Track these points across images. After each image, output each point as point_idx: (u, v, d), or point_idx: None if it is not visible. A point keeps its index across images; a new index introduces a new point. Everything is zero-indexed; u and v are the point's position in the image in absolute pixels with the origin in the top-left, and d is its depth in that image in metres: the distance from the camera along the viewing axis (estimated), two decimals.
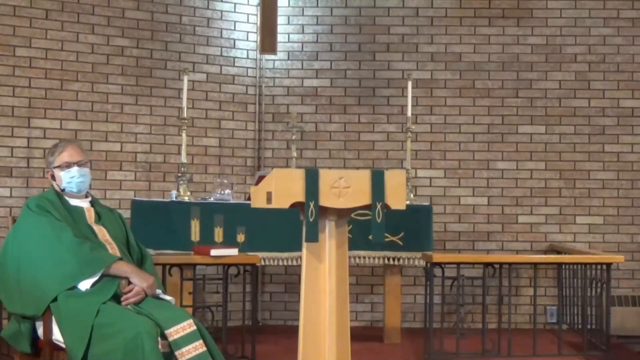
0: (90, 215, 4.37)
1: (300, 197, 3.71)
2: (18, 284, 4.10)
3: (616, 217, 7.65)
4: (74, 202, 4.37)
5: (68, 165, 4.31)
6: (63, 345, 4.00)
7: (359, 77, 7.74)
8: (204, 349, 3.95)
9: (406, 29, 7.76)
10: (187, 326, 3.96)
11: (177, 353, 3.90)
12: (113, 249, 4.27)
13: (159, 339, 3.88)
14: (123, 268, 4.15)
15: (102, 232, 4.31)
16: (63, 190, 4.34)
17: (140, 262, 4.45)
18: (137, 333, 3.80)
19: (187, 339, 3.92)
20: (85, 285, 4.05)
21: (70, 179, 4.32)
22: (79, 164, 4.33)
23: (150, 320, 3.90)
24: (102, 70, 7.07)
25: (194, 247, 5.59)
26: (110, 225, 4.40)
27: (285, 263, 6.25)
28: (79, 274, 4.05)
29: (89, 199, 4.46)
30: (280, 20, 7.58)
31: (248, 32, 7.70)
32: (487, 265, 6.01)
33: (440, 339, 5.88)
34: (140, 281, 4.12)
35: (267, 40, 7.34)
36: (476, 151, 7.69)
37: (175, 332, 3.93)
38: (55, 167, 4.35)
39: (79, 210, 4.35)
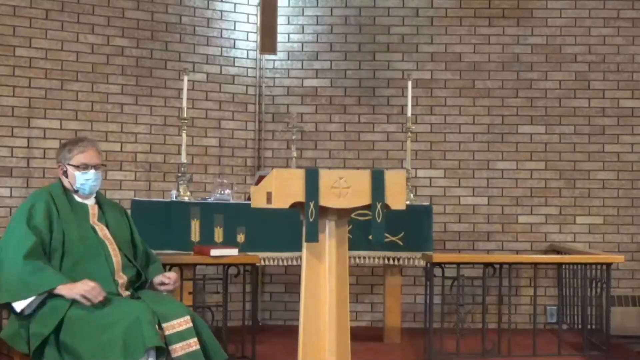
0: (93, 213, 4.31)
1: (300, 197, 3.71)
2: None
3: (616, 217, 7.65)
4: (79, 199, 4.32)
5: (86, 167, 4.26)
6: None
7: (359, 77, 7.74)
8: (197, 347, 3.92)
9: (406, 29, 7.76)
10: (184, 322, 3.93)
11: (170, 348, 3.89)
12: (112, 247, 4.22)
13: (157, 327, 3.88)
14: (61, 292, 3.99)
15: (102, 231, 4.27)
16: (77, 191, 4.28)
17: (145, 265, 4.43)
18: (135, 318, 3.80)
19: (180, 336, 3.90)
20: (19, 306, 3.98)
21: (85, 181, 4.26)
22: (97, 167, 4.29)
23: (148, 306, 3.90)
24: (102, 70, 7.07)
25: (194, 247, 5.59)
26: (114, 223, 4.35)
27: (285, 263, 6.25)
28: (10, 295, 3.97)
29: (94, 195, 4.40)
30: (280, 20, 7.58)
31: (248, 32, 7.70)
32: (487, 265, 6.01)
33: (440, 339, 5.88)
34: (72, 295, 3.96)
35: (267, 40, 7.34)
36: (476, 151, 7.69)
37: (171, 327, 3.91)
38: (70, 164, 4.27)
39: (83, 208, 4.29)
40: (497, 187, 7.68)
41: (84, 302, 3.92)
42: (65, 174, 4.28)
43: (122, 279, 4.19)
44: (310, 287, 3.78)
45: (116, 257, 4.21)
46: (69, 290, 3.95)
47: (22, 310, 3.99)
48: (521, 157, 7.68)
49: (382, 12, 7.77)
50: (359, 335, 6.03)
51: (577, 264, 6.62)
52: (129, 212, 4.87)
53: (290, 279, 7.54)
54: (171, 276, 4.37)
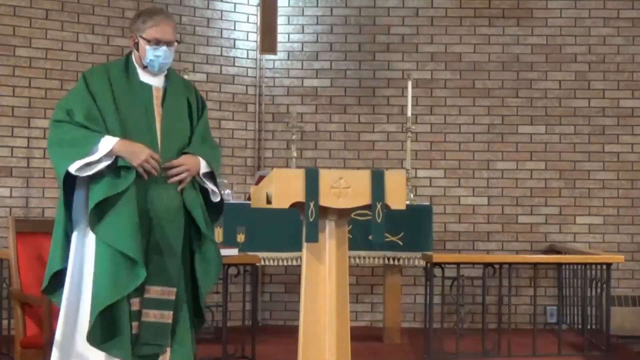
0: (158, 96, 3.89)
1: (300, 197, 3.71)
2: None
3: (616, 217, 7.65)
4: (144, 77, 3.90)
5: (157, 42, 3.84)
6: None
7: (359, 77, 7.74)
8: (168, 321, 3.74)
9: (406, 29, 7.76)
10: (167, 293, 3.75)
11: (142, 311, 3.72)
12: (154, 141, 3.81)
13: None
14: (109, 146, 3.68)
15: (159, 123, 3.86)
16: (145, 67, 3.88)
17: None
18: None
19: (156, 303, 3.71)
20: (75, 166, 3.66)
21: (155, 57, 3.85)
22: (169, 43, 3.88)
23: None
24: None
25: None
26: (170, 116, 3.89)
27: (285, 263, 6.25)
28: (65, 159, 3.69)
29: (164, 74, 3.95)
30: (280, 20, 7.58)
31: (248, 32, 7.70)
32: (487, 265, 6.01)
33: (440, 339, 5.88)
34: (132, 157, 3.68)
35: (267, 40, 7.34)
36: (476, 151, 7.69)
37: (153, 291, 3.72)
38: (142, 37, 3.85)
39: (145, 88, 3.88)
40: (497, 187, 7.68)
41: (141, 172, 3.69)
42: (137, 46, 3.88)
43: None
44: (310, 287, 3.78)
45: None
46: (127, 151, 3.67)
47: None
48: (521, 157, 7.68)
49: (382, 12, 7.77)
50: (359, 335, 6.03)
51: (577, 264, 6.62)
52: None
53: (290, 279, 7.54)
54: (174, 163, 3.82)
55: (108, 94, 3.77)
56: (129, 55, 3.94)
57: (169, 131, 3.85)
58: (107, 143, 3.67)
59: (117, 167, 3.68)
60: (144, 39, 3.84)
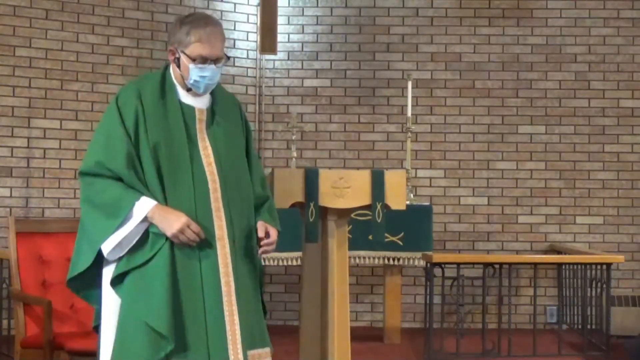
0: (201, 119, 3.22)
1: (300, 197, 3.71)
2: None
3: (616, 217, 7.65)
4: (186, 98, 3.23)
5: (204, 60, 3.16)
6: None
7: (359, 77, 7.74)
8: None
9: (406, 29, 7.76)
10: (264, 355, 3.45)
11: None
12: (213, 178, 3.16)
13: None
14: (143, 211, 3.06)
15: (207, 150, 3.20)
16: (189, 90, 3.23)
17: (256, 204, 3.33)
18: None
19: None
20: (108, 246, 3.08)
21: (200, 78, 3.17)
22: (218, 61, 3.19)
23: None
24: (102, 70, 7.07)
25: None
26: (225, 137, 3.24)
27: (285, 263, 6.25)
28: (97, 232, 3.09)
29: (209, 91, 3.26)
30: (280, 20, 7.58)
31: (248, 32, 7.70)
32: (487, 265, 6.02)
33: (440, 339, 5.88)
34: (165, 227, 3.06)
35: (267, 40, 7.34)
36: (476, 151, 7.69)
37: (257, 355, 3.46)
38: (184, 53, 3.18)
39: (187, 111, 3.21)
40: (497, 187, 7.68)
41: (177, 243, 3.09)
42: (178, 61, 3.20)
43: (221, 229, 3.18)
44: (310, 287, 3.79)
45: (215, 193, 3.17)
46: (160, 219, 3.07)
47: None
48: (521, 157, 7.67)
49: (382, 12, 7.77)
50: (359, 335, 6.03)
51: (577, 264, 6.63)
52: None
53: (290, 279, 7.54)
54: (272, 234, 3.28)
55: (141, 125, 3.13)
56: (166, 69, 3.28)
57: (223, 166, 3.20)
58: (142, 208, 3.06)
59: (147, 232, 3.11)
60: (187, 56, 3.16)
